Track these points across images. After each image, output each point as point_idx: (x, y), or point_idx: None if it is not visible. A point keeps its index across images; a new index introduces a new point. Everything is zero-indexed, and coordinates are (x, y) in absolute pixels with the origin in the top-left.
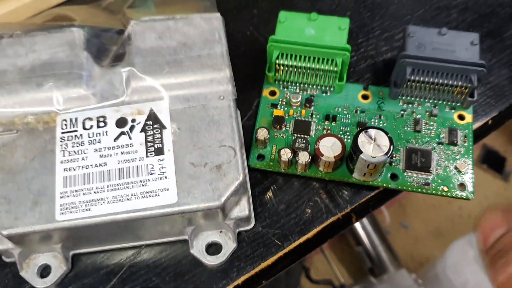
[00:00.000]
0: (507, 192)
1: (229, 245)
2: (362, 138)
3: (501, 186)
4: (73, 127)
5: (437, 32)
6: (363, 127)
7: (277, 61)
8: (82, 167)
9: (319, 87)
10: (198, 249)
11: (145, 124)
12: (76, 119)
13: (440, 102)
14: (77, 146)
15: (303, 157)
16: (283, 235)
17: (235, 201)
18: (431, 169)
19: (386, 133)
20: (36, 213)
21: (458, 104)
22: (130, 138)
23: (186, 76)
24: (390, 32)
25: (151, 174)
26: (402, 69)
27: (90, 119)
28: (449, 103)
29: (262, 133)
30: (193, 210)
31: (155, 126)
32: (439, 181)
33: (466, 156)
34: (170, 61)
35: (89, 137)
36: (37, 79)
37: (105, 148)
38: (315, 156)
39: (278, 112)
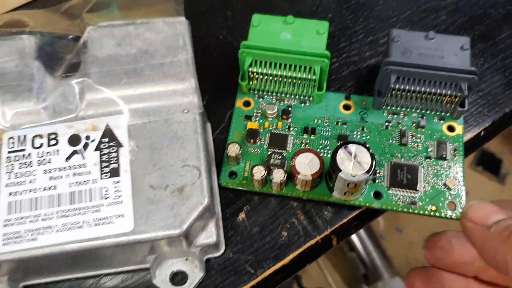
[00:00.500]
0: (503, 194)
1: (196, 274)
2: (341, 155)
3: (496, 188)
4: (21, 145)
5: (424, 36)
6: (344, 140)
7: (250, 69)
8: (30, 190)
9: (297, 97)
10: (161, 279)
11: (100, 142)
12: (24, 136)
13: (428, 112)
14: (24, 167)
15: (278, 176)
16: (256, 261)
17: (200, 227)
18: (418, 186)
19: (368, 149)
20: None
21: (447, 114)
22: (83, 157)
23: (146, 87)
24: (374, 35)
25: (105, 198)
26: (386, 76)
27: (40, 136)
28: (437, 113)
29: (233, 149)
30: (151, 239)
31: (111, 143)
32: (427, 199)
33: (456, 172)
34: (129, 71)
35: (38, 156)
36: None
37: (55, 169)
38: (291, 174)
39: (252, 124)
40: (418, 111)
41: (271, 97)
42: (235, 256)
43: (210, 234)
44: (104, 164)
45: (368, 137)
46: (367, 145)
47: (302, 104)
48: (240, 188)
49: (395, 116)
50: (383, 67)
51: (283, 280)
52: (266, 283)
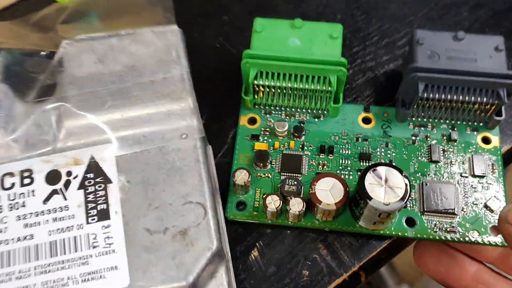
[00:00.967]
0: None
1: None
2: (370, 179)
3: None
4: None
5: (452, 36)
6: (366, 159)
7: (255, 82)
8: (1, 242)
9: (309, 111)
10: None
11: (84, 178)
12: None
13: (458, 122)
14: None
15: (296, 206)
16: None
17: (209, 274)
18: (455, 210)
19: (400, 171)
20: None
21: (480, 124)
22: (65, 198)
23: (135, 110)
24: (390, 37)
25: (94, 247)
26: (413, 85)
27: (12, 174)
28: (469, 124)
29: (241, 177)
30: None
31: (97, 180)
32: (467, 224)
33: (497, 190)
34: (115, 91)
35: (10, 200)
36: None
37: (31, 214)
38: (311, 203)
39: (260, 145)
40: (447, 121)
41: (279, 113)
42: None
43: (220, 281)
44: (90, 206)
45: (393, 154)
46: (396, 166)
47: (316, 119)
48: (251, 220)
49: (422, 128)
50: (409, 74)
51: None
52: None
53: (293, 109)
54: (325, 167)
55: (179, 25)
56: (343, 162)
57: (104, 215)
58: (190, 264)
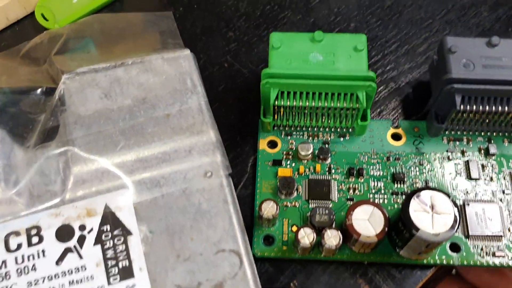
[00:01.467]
0: None
1: None
2: (415, 207)
3: None
4: None
5: (485, 42)
6: (399, 179)
7: (276, 103)
8: None
9: (333, 130)
10: None
11: (101, 231)
12: None
13: (494, 134)
14: None
15: (333, 240)
16: None
17: None
18: (501, 231)
19: (447, 195)
20: None
21: None
22: (80, 256)
23: (151, 149)
24: (410, 44)
25: None
26: (448, 98)
27: (17, 233)
28: (506, 135)
29: (268, 209)
30: None
31: (115, 232)
32: None
33: None
34: (126, 129)
35: (17, 263)
36: None
37: (44, 278)
38: (348, 235)
39: (284, 171)
40: (483, 134)
41: (301, 133)
42: None
43: None
44: (110, 263)
45: (429, 172)
46: (442, 190)
47: (341, 138)
48: (281, 256)
49: (457, 142)
50: (444, 86)
51: None
52: None
53: (315, 129)
54: (356, 191)
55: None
56: (375, 184)
57: (127, 273)
58: None
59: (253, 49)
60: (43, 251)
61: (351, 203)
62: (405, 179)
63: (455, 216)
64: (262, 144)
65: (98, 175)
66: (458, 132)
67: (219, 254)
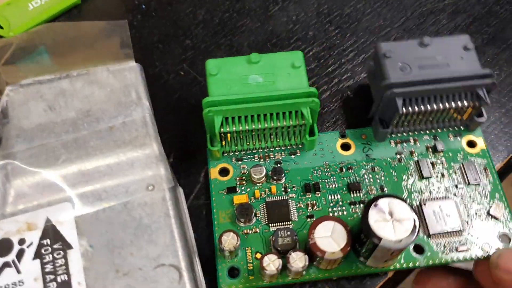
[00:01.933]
0: None
1: None
2: (374, 217)
3: None
4: None
5: (417, 43)
6: (355, 188)
7: (222, 130)
8: None
9: (283, 148)
10: None
11: (40, 246)
12: None
13: (439, 130)
14: None
15: (299, 262)
16: None
17: None
18: (460, 226)
19: (403, 200)
20: None
21: (461, 128)
22: (18, 271)
23: (94, 162)
24: (367, 52)
25: None
26: (391, 102)
27: None
28: (450, 129)
29: (229, 241)
30: None
31: (55, 246)
32: (477, 237)
33: (496, 196)
34: (69, 143)
35: None
36: None
37: None
38: (312, 254)
39: (240, 198)
40: (428, 132)
41: (251, 156)
42: None
43: None
44: (48, 278)
45: (382, 178)
46: (397, 195)
47: (293, 156)
48: (249, 286)
49: (405, 144)
50: (385, 92)
51: None
52: None
53: (265, 150)
54: (315, 207)
55: (139, 54)
56: (333, 197)
57: (65, 287)
58: None
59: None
60: None
61: (311, 221)
62: (361, 188)
63: (414, 220)
64: (214, 173)
65: (39, 188)
66: (404, 134)
67: (158, 269)
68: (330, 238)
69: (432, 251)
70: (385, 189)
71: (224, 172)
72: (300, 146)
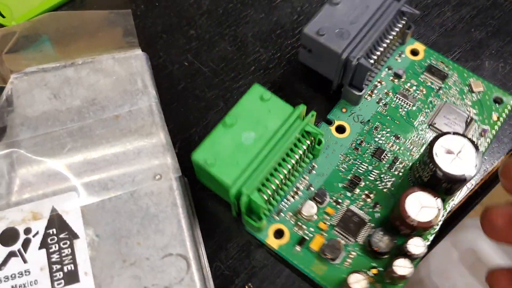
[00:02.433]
0: None
1: None
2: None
3: None
4: None
5: (330, 7)
6: (380, 154)
7: (263, 204)
8: None
9: (301, 170)
10: None
11: (46, 235)
12: None
13: (387, 59)
14: None
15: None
16: None
17: None
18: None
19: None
20: None
21: (398, 46)
22: (24, 261)
23: (100, 151)
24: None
25: None
26: (359, 67)
27: None
28: (392, 52)
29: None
30: None
31: (61, 236)
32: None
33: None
34: (74, 131)
35: None
36: None
37: None
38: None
39: (316, 243)
40: (380, 68)
41: (285, 201)
42: None
43: None
44: (55, 267)
45: (392, 127)
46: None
47: (314, 172)
48: None
49: (376, 90)
50: (349, 63)
51: None
52: None
53: (290, 186)
54: (371, 195)
55: (143, 45)
56: (373, 176)
57: (72, 277)
58: None
59: (215, 48)
60: None
61: (379, 211)
62: (383, 149)
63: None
64: (272, 242)
65: (44, 177)
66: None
67: (166, 259)
68: (423, 207)
69: None
70: (400, 136)
71: (278, 233)
72: (310, 159)
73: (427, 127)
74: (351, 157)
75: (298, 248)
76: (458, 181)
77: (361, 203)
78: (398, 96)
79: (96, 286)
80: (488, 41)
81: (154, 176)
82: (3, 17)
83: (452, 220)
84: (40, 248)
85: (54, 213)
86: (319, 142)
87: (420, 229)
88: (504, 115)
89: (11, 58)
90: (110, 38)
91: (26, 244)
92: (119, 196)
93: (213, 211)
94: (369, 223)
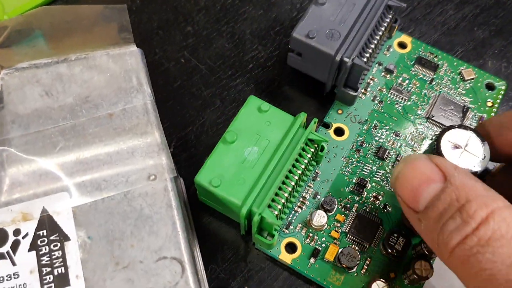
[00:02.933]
0: None
1: None
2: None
3: None
4: None
5: (316, 7)
6: (382, 154)
7: (275, 220)
8: None
9: (305, 179)
10: None
11: (36, 237)
12: None
13: (376, 54)
14: None
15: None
16: None
17: None
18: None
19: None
20: None
21: (386, 41)
22: (13, 263)
23: (92, 150)
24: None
25: None
26: (354, 68)
27: None
28: (381, 48)
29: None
30: None
31: (52, 237)
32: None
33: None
34: (67, 130)
35: None
36: None
37: None
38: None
39: (331, 252)
40: (372, 65)
41: (293, 213)
42: None
43: None
44: (45, 270)
45: (392, 124)
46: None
47: (318, 179)
48: None
49: (370, 88)
50: (345, 63)
51: None
52: None
53: (298, 197)
54: (380, 196)
55: (138, 41)
56: (379, 176)
57: (62, 281)
58: None
59: (212, 45)
60: None
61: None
62: (385, 148)
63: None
64: (285, 258)
65: (35, 177)
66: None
67: (160, 262)
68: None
69: None
70: (399, 132)
71: (290, 247)
72: (314, 166)
73: (426, 120)
74: (353, 159)
75: (312, 260)
76: None
77: (371, 206)
78: (392, 92)
79: None
80: (491, 40)
81: (148, 177)
82: None
83: None
84: (29, 250)
85: (45, 214)
86: (322, 149)
87: None
88: (498, 100)
89: (3, 53)
90: (105, 34)
91: (15, 246)
92: (112, 196)
93: (209, 213)
94: (381, 226)
